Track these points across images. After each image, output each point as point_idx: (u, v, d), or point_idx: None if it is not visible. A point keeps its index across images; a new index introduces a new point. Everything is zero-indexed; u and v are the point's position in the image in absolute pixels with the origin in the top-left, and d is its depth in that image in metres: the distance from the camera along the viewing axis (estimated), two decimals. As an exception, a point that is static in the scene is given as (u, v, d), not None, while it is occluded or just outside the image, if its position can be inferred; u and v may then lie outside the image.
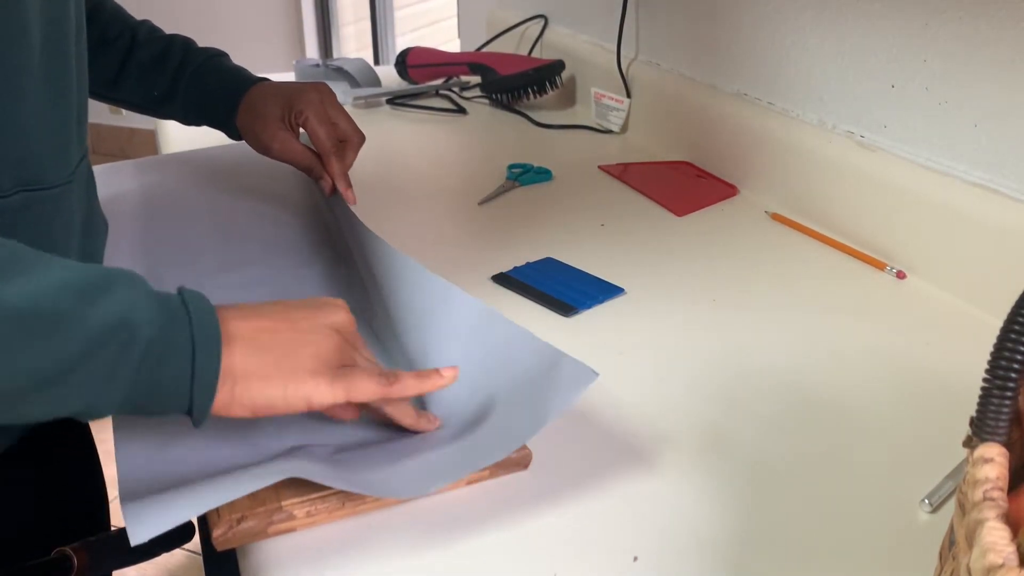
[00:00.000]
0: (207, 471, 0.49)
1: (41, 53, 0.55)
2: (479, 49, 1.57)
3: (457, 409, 0.55)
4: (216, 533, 0.46)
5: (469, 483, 0.51)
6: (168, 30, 0.91)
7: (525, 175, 1.05)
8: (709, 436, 0.58)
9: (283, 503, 0.47)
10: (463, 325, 0.58)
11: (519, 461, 0.52)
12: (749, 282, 0.79)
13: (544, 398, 0.51)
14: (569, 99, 1.42)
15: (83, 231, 0.65)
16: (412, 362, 0.59)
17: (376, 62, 3.07)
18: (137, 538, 0.41)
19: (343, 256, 0.79)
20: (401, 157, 1.14)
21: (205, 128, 0.93)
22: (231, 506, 0.47)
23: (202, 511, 0.44)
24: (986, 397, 0.31)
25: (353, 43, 3.33)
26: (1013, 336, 0.31)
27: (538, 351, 0.55)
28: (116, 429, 0.52)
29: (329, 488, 0.47)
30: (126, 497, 0.45)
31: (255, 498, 0.47)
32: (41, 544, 0.79)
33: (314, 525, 0.48)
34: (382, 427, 0.55)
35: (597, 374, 0.51)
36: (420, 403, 0.57)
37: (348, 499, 0.48)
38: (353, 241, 0.76)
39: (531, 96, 1.33)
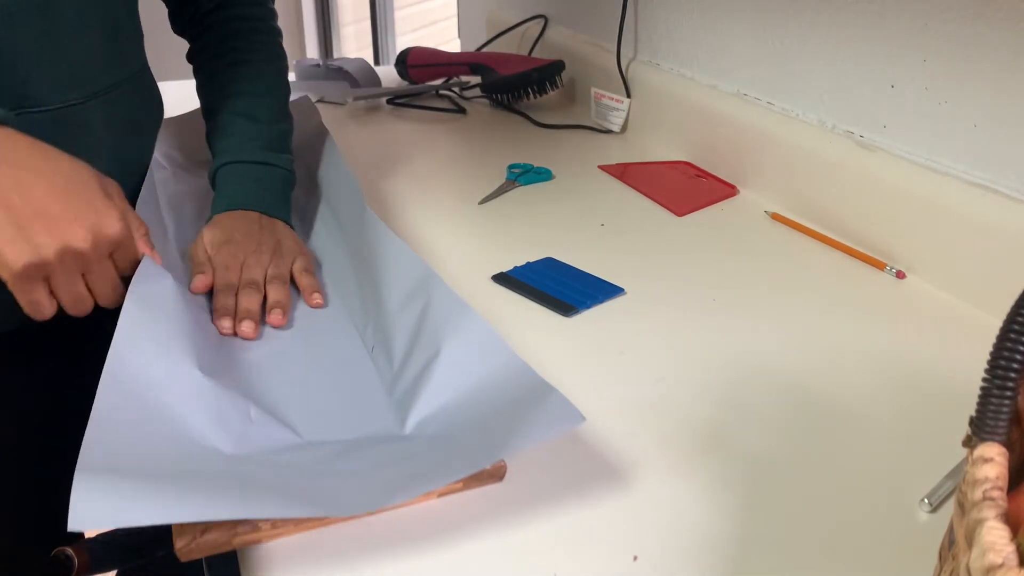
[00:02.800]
0: (180, 466, 0.47)
1: None
2: (479, 49, 1.57)
3: (438, 422, 0.54)
4: (179, 544, 0.45)
5: (441, 495, 0.51)
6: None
7: (525, 175, 1.05)
8: (709, 436, 0.58)
9: None
10: (468, 345, 0.57)
11: (493, 473, 0.51)
12: (749, 282, 0.79)
13: (523, 426, 0.49)
14: (569, 99, 1.42)
15: (112, 153, 0.77)
16: (408, 372, 0.59)
17: (376, 62, 3.07)
18: (77, 524, 0.39)
19: (335, 252, 0.80)
20: (401, 157, 1.14)
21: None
22: None
23: (161, 521, 0.42)
24: (986, 397, 0.31)
25: (353, 43, 3.33)
26: (1013, 336, 0.31)
27: (532, 384, 0.53)
28: (98, 399, 0.49)
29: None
30: (83, 469, 0.43)
31: None
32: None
33: (279, 537, 0.47)
34: (362, 431, 0.55)
35: (584, 419, 0.49)
36: (402, 414, 0.56)
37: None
38: (361, 239, 0.75)
39: (531, 96, 1.33)
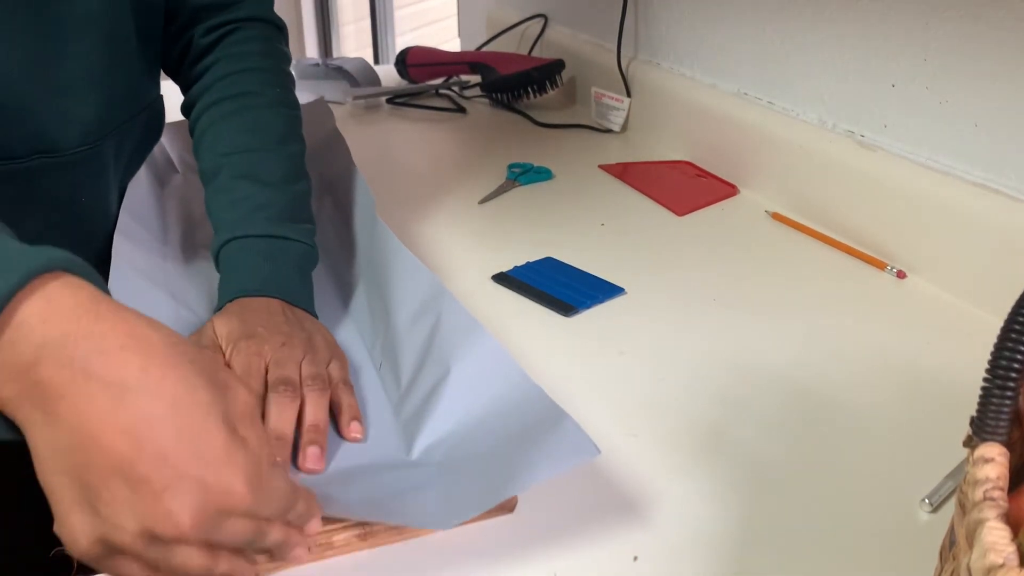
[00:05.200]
0: None
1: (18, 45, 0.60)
2: (479, 48, 1.57)
3: (446, 447, 0.53)
4: None
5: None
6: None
7: (525, 175, 1.05)
8: (709, 436, 0.58)
9: None
10: (478, 366, 0.55)
11: (504, 505, 0.50)
12: (749, 282, 0.79)
13: (535, 458, 0.47)
14: (569, 99, 1.42)
15: (122, 183, 0.75)
16: (416, 393, 0.58)
17: (376, 61, 3.06)
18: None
19: (347, 268, 0.78)
20: (401, 157, 1.14)
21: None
22: None
23: None
24: (986, 397, 0.31)
25: (353, 42, 3.33)
26: (1013, 336, 0.31)
27: (544, 409, 0.51)
28: None
29: None
30: None
31: None
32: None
33: (277, 570, 0.46)
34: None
35: (599, 451, 0.47)
36: (408, 438, 0.55)
37: (314, 543, 0.46)
38: (371, 251, 0.74)
39: (531, 96, 1.33)
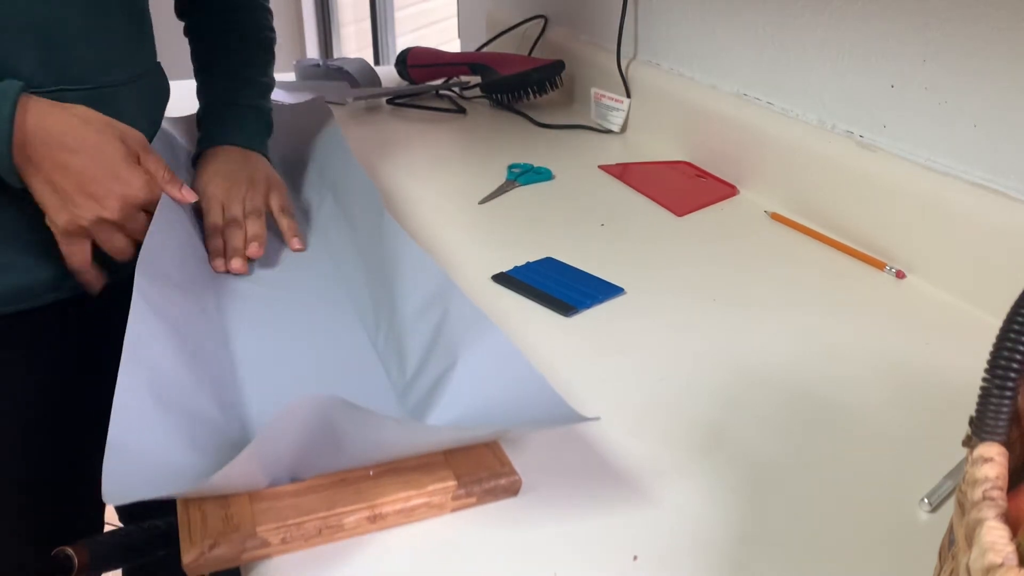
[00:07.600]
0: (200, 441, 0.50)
1: None
2: (479, 49, 1.58)
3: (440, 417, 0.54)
4: (187, 560, 0.44)
5: (454, 510, 0.50)
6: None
7: (525, 175, 1.05)
8: (709, 436, 0.58)
9: (257, 529, 0.46)
10: (486, 357, 0.56)
11: (508, 487, 0.50)
12: (749, 282, 0.79)
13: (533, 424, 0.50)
14: (569, 99, 1.42)
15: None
16: (421, 383, 0.58)
17: (376, 62, 3.07)
18: (112, 499, 0.42)
19: (345, 256, 0.79)
20: (401, 158, 1.14)
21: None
22: (203, 531, 0.45)
23: (180, 491, 0.44)
24: (985, 396, 0.31)
25: (353, 43, 3.33)
26: (1012, 336, 0.31)
27: (554, 405, 0.52)
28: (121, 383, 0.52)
29: (306, 515, 0.46)
30: (112, 452, 0.46)
31: (228, 523, 0.46)
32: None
33: (289, 552, 0.47)
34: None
35: (592, 419, 0.49)
36: (413, 414, 0.56)
37: (325, 526, 0.47)
38: (378, 245, 0.74)
39: (531, 96, 1.33)
